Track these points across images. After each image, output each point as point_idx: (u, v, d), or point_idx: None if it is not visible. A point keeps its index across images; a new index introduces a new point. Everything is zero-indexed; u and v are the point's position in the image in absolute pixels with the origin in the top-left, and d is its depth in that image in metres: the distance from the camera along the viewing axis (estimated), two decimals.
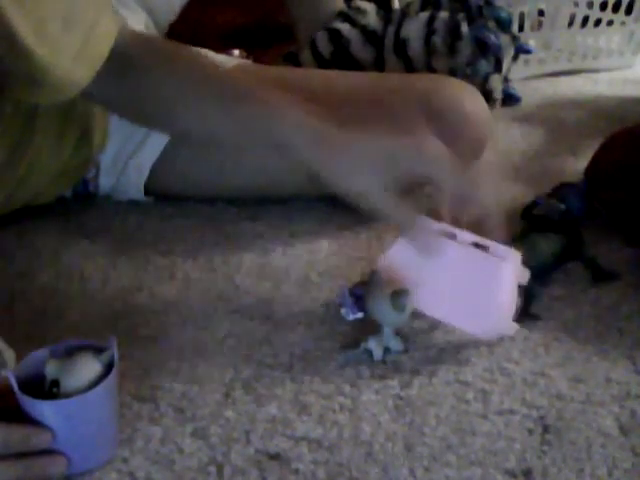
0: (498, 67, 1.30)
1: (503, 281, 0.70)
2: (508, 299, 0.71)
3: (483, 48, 1.26)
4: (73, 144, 0.95)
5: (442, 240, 0.71)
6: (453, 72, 1.25)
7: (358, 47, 1.32)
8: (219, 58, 0.94)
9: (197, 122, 0.78)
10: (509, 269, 0.70)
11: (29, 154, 0.89)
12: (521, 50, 1.37)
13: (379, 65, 1.32)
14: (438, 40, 1.27)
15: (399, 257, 0.72)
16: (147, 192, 1.02)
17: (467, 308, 0.70)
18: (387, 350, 0.70)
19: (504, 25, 1.30)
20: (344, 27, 1.32)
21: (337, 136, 0.71)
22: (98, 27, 0.69)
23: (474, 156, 0.93)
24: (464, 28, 1.26)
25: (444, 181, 0.70)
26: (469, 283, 0.70)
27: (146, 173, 1.00)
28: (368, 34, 1.32)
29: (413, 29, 1.29)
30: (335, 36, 1.32)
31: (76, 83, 0.70)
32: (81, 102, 0.93)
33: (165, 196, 1.02)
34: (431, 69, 1.28)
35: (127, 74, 0.76)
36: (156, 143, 0.99)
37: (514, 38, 1.35)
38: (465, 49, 1.26)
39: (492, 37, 1.26)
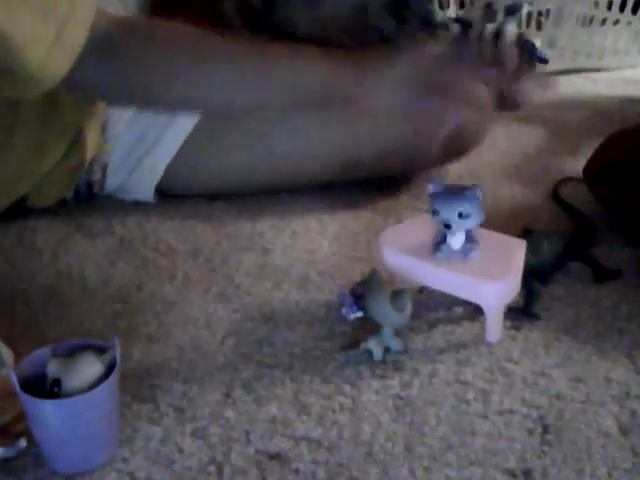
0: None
1: (519, 257, 0.72)
2: (517, 276, 0.73)
3: None
4: (62, 152, 0.94)
5: None
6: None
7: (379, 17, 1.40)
8: None
9: (205, 88, 0.79)
10: (524, 251, 0.73)
11: (8, 160, 0.89)
12: (537, 59, 1.39)
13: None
14: None
15: (405, 231, 0.77)
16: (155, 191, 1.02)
17: (475, 279, 0.70)
18: (387, 350, 0.70)
19: None
20: None
21: (360, 60, 0.79)
22: (73, 16, 0.69)
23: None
24: None
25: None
26: (483, 255, 0.72)
27: (160, 173, 1.00)
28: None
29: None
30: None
31: (54, 73, 0.69)
32: (69, 112, 0.92)
33: (174, 195, 1.02)
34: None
35: (110, 57, 0.75)
36: (172, 142, 0.98)
37: (521, 36, 1.36)
38: None
39: None
